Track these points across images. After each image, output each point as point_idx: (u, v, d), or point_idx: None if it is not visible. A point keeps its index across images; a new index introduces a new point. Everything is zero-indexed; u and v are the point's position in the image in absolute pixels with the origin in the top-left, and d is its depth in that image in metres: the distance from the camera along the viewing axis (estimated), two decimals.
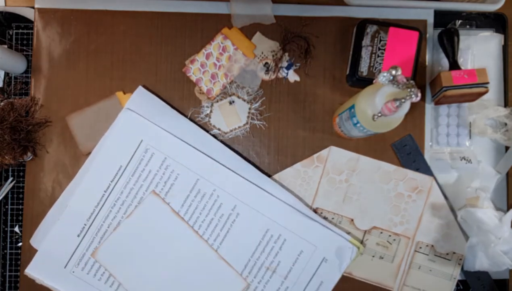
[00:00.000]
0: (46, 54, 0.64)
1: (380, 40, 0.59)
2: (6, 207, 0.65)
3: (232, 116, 0.64)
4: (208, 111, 0.64)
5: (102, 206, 0.61)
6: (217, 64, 0.64)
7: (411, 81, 0.44)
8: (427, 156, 0.64)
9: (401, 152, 0.63)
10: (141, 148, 0.61)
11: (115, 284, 0.61)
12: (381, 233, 0.63)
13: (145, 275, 0.61)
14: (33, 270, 0.61)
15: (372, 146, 0.64)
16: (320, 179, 0.63)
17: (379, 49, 0.60)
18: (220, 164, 0.61)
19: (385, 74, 0.45)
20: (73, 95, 0.64)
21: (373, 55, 0.59)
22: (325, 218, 0.62)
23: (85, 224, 0.61)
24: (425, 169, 0.63)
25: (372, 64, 0.60)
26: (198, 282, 0.61)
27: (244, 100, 0.64)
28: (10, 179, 0.65)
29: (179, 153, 0.61)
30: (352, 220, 0.63)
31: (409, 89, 0.43)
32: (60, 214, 0.61)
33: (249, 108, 0.64)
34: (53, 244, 0.61)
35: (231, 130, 0.64)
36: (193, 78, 0.64)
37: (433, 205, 0.62)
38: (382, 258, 0.62)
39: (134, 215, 0.61)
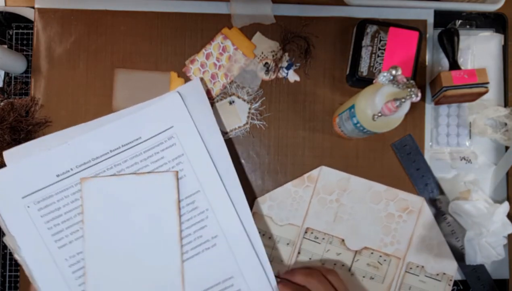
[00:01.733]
0: (46, 54, 0.64)
1: (380, 40, 0.59)
2: None
3: (232, 116, 0.64)
4: None
5: (100, 162, 0.58)
6: (217, 64, 0.64)
7: (411, 81, 0.44)
8: (427, 156, 0.64)
9: (401, 152, 0.63)
10: (168, 133, 0.59)
11: (65, 240, 0.57)
12: (372, 253, 0.62)
13: (106, 236, 0.58)
14: None
15: (372, 146, 0.64)
16: (311, 199, 0.63)
17: (379, 49, 0.60)
18: (227, 192, 0.59)
19: (385, 74, 0.45)
20: (73, 95, 0.64)
21: (373, 55, 0.60)
22: (315, 238, 0.62)
23: (71, 169, 0.58)
24: (425, 169, 0.63)
25: (372, 64, 0.60)
26: (146, 276, 0.58)
27: (244, 100, 0.64)
28: None
29: (197, 157, 0.59)
30: (343, 240, 0.62)
31: (409, 89, 0.43)
32: (52, 146, 0.58)
33: (249, 108, 0.64)
34: (27, 168, 0.57)
35: (231, 131, 0.64)
36: (193, 78, 0.64)
37: (423, 226, 0.62)
38: (373, 278, 0.62)
39: (138, 176, 0.59)
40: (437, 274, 0.62)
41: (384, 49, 0.60)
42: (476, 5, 0.63)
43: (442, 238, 0.62)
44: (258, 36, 0.65)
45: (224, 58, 0.64)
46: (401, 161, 0.63)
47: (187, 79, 0.64)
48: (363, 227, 0.63)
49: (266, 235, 0.63)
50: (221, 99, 0.64)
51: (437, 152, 0.64)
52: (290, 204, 0.63)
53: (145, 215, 0.59)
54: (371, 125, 0.50)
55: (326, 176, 0.63)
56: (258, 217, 0.63)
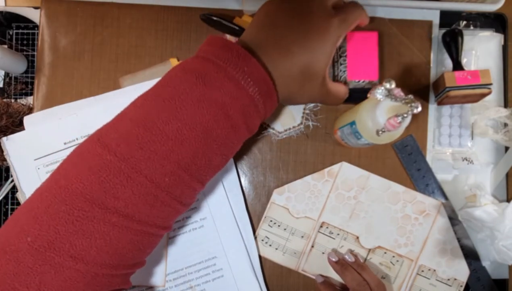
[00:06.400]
0: (51, 46, 0.64)
1: (340, 47, 0.58)
2: (6, 207, 0.66)
3: (287, 116, 0.64)
4: None
5: None
6: None
7: (410, 96, 0.44)
8: (429, 157, 0.64)
9: (402, 153, 0.63)
10: None
11: None
12: (385, 253, 0.63)
13: None
14: (9, 144, 0.60)
15: (374, 146, 0.64)
16: (329, 194, 0.63)
17: (340, 56, 0.58)
18: (222, 182, 0.62)
19: (379, 90, 0.45)
20: (77, 87, 0.65)
21: (336, 64, 0.58)
22: (330, 233, 0.63)
23: (77, 138, 0.61)
24: (426, 170, 0.63)
25: (336, 74, 0.58)
26: None
27: None
28: (10, 179, 0.66)
29: None
30: (357, 237, 0.63)
31: (409, 105, 0.44)
32: (63, 116, 0.61)
33: (304, 108, 0.64)
34: (41, 134, 0.61)
35: (285, 130, 0.64)
36: None
37: (439, 230, 0.63)
38: (384, 278, 0.63)
39: None
40: (448, 279, 0.63)
41: (345, 56, 0.58)
42: (476, 5, 0.62)
43: (456, 244, 0.62)
44: None
45: None
46: (402, 161, 0.64)
47: None
48: (378, 226, 0.63)
49: (281, 226, 0.64)
50: None
51: (439, 152, 0.64)
52: (308, 197, 0.64)
53: None
54: (376, 139, 0.49)
55: (346, 172, 0.63)
56: (274, 207, 0.64)
